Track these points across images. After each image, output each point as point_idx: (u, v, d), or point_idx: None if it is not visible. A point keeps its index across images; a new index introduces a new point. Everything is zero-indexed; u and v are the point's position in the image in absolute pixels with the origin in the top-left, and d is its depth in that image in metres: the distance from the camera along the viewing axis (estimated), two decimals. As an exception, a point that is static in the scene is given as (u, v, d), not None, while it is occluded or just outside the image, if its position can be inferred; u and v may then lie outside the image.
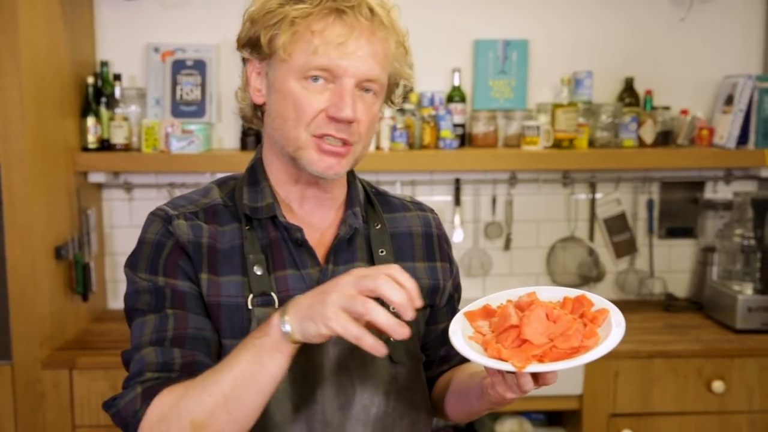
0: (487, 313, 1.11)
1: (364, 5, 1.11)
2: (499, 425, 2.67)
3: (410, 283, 0.97)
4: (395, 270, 0.97)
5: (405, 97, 2.78)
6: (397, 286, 0.96)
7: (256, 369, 1.00)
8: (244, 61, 1.20)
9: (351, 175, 1.26)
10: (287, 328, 0.98)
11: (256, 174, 1.21)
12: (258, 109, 1.21)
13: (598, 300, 1.09)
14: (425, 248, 1.29)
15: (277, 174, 1.20)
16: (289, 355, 1.00)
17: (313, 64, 1.10)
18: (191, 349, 1.10)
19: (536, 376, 1.05)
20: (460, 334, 1.07)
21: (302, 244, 1.18)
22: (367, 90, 1.14)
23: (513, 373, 1.03)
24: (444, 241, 1.33)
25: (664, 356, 2.48)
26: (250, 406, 1.01)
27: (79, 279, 2.58)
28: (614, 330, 1.03)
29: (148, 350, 1.09)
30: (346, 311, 0.95)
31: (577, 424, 2.53)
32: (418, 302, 0.97)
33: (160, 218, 1.16)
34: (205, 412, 1.00)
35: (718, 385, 2.46)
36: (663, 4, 2.93)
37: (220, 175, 1.29)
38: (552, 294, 1.12)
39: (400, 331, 0.95)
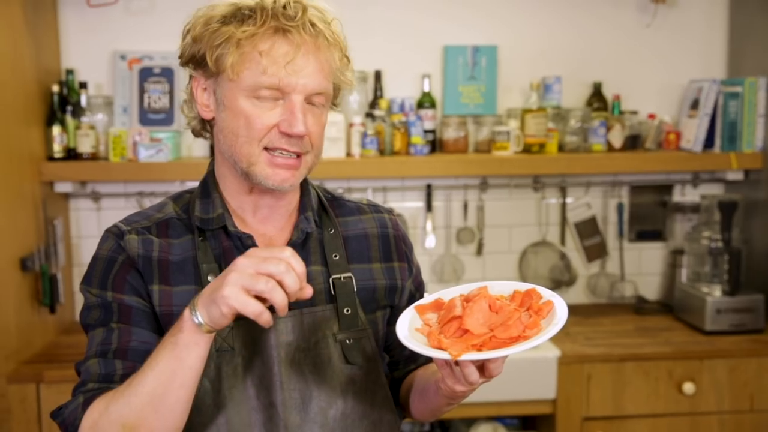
0: (437, 306, 1.14)
1: (307, 22, 1.13)
2: (473, 430, 2.67)
3: (302, 269, 1.01)
4: (290, 255, 1.00)
5: (374, 104, 2.81)
6: (294, 274, 0.99)
7: (175, 364, 1.03)
8: (189, 75, 1.22)
9: (304, 182, 1.28)
10: (198, 318, 1.02)
11: (207, 187, 1.24)
12: (207, 123, 1.23)
13: (547, 293, 1.11)
14: (382, 249, 1.31)
15: (230, 186, 1.23)
16: (204, 346, 1.04)
17: (263, 84, 1.13)
18: (133, 360, 1.12)
19: (481, 368, 1.07)
20: (406, 325, 1.10)
21: None
22: (315, 103, 1.17)
23: (457, 364, 1.05)
24: (402, 242, 1.35)
25: (636, 359, 2.49)
26: (176, 401, 1.04)
27: (46, 290, 2.54)
28: (554, 320, 1.05)
29: (93, 362, 1.14)
30: (245, 290, 0.98)
31: (551, 428, 2.53)
32: (308, 292, 1.02)
33: (113, 235, 1.20)
34: (133, 414, 1.03)
35: (688, 387, 2.49)
36: (629, 11, 2.96)
37: (189, 184, 1.30)
38: (503, 288, 1.15)
39: (307, 292, 1.01)
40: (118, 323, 1.15)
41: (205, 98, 1.19)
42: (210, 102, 1.19)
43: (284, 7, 1.13)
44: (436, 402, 1.22)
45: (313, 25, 1.14)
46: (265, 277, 0.98)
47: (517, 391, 2.47)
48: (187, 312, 1.03)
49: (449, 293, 1.15)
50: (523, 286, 1.13)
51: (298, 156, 1.16)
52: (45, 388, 2.30)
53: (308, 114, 1.15)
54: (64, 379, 2.29)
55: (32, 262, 2.46)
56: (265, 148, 1.15)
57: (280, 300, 0.98)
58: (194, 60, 1.18)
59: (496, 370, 1.08)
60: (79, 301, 2.80)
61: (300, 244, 1.23)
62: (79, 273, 2.82)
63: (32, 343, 2.46)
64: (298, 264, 1.00)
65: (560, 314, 1.06)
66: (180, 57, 1.21)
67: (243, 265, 0.99)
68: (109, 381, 1.11)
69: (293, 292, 0.99)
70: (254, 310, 0.98)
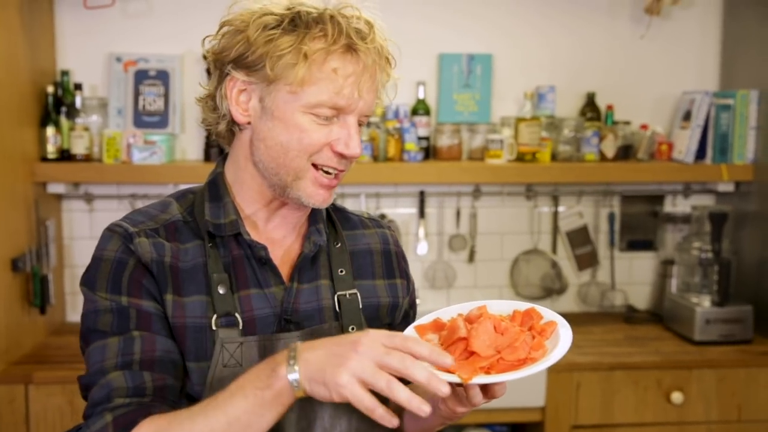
0: (437, 326, 1.12)
1: (378, 43, 1.12)
2: (462, 438, 2.67)
3: (428, 352, 0.95)
4: (413, 344, 0.95)
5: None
6: (419, 363, 0.93)
7: (254, 419, 0.96)
8: (220, 72, 1.14)
9: None
10: (296, 384, 0.95)
11: (218, 189, 1.18)
12: (235, 125, 1.16)
13: (548, 313, 1.11)
14: (384, 266, 1.29)
15: (247, 192, 1.18)
16: (288, 406, 0.97)
17: (332, 103, 1.09)
18: (161, 372, 1.06)
19: (485, 389, 1.06)
20: None
21: (266, 263, 1.16)
22: (361, 123, 1.15)
23: (461, 385, 1.03)
24: (401, 258, 1.34)
25: (625, 368, 2.50)
26: None
27: (37, 291, 2.53)
28: (560, 342, 1.05)
29: (115, 374, 1.04)
30: (362, 383, 0.92)
31: (540, 436, 2.54)
32: (447, 360, 0.96)
33: (119, 235, 1.11)
34: None
35: (676, 396, 2.50)
36: (623, 22, 2.98)
37: (183, 187, 1.26)
38: (502, 307, 1.13)
39: (424, 408, 0.92)
40: (138, 331, 1.07)
41: (244, 101, 1.13)
42: (251, 107, 1.13)
43: (352, 22, 1.10)
44: (432, 421, 1.20)
45: (381, 46, 1.12)
46: (387, 375, 0.92)
47: (506, 398, 2.43)
48: (283, 370, 0.95)
49: (447, 312, 1.13)
50: (522, 306, 1.12)
51: (337, 175, 1.14)
52: (34, 389, 2.29)
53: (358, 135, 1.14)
54: (53, 380, 2.29)
55: (23, 263, 2.45)
56: (313, 165, 1.12)
57: (404, 398, 0.91)
58: (241, 61, 1.10)
59: (500, 391, 1.06)
60: (71, 302, 2.82)
61: (311, 257, 1.20)
62: (70, 274, 2.82)
63: (22, 343, 2.45)
64: (423, 350, 0.94)
65: (564, 337, 1.05)
66: (219, 53, 1.13)
67: (363, 352, 0.92)
68: (141, 395, 1.02)
69: (427, 384, 0.93)
70: (369, 405, 0.92)
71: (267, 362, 0.99)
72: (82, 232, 2.83)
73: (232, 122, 1.16)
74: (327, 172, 1.13)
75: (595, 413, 2.51)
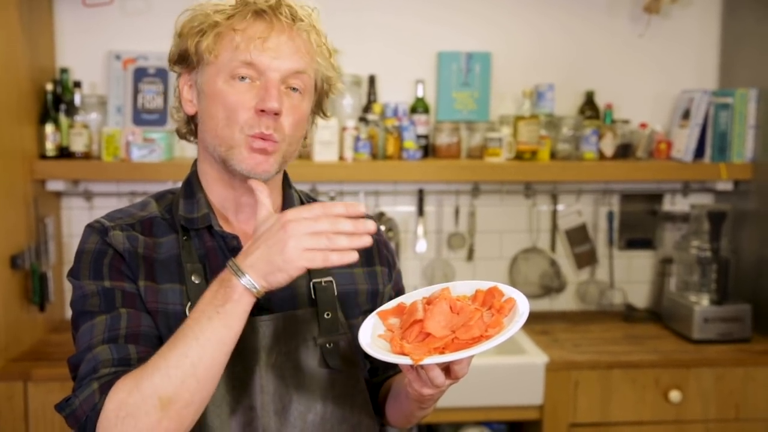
0: (399, 311, 1.14)
1: (284, 6, 1.16)
2: (460, 435, 2.67)
3: (343, 208, 1.02)
4: (330, 207, 1.02)
5: (368, 108, 2.82)
6: (345, 220, 1.00)
7: (224, 333, 1.02)
8: (176, 77, 1.23)
9: (287, 185, 1.29)
10: (254, 287, 1.02)
11: (192, 186, 1.24)
12: (191, 122, 1.24)
13: (509, 290, 1.11)
14: (363, 253, 1.30)
15: (212, 183, 1.22)
16: (249, 308, 1.04)
17: (237, 60, 1.13)
18: (146, 345, 1.09)
19: (446, 370, 1.08)
20: (369, 332, 1.10)
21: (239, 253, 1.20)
22: (294, 89, 1.17)
23: (418, 367, 1.05)
24: (383, 246, 1.36)
25: (623, 366, 2.51)
26: (219, 369, 1.03)
27: (36, 289, 2.53)
28: (516, 318, 1.05)
29: (101, 348, 1.08)
30: (308, 251, 0.99)
31: (538, 434, 2.55)
32: (360, 208, 1.04)
33: (96, 230, 1.18)
34: (173, 386, 1.00)
35: (675, 395, 2.50)
36: (622, 21, 2.98)
37: (179, 185, 1.29)
38: (466, 288, 1.14)
39: (368, 228, 1.01)
40: (125, 308, 1.12)
41: (189, 93, 1.21)
42: (193, 96, 1.20)
43: None
44: (408, 407, 1.23)
45: (289, 8, 1.16)
46: (323, 235, 1.00)
47: (504, 397, 2.48)
48: (234, 281, 1.02)
49: (411, 297, 1.15)
50: (485, 285, 1.13)
51: (272, 141, 1.15)
52: (32, 386, 2.29)
53: (285, 97, 1.15)
54: (53, 377, 2.29)
55: (22, 260, 2.46)
56: (247, 135, 1.15)
57: (347, 231, 1.00)
58: (180, 57, 1.20)
59: (462, 371, 1.08)
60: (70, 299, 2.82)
61: None
62: (69, 272, 2.82)
63: (21, 340, 2.46)
64: (343, 209, 1.02)
65: (521, 311, 1.06)
66: (169, 60, 1.24)
67: (295, 229, 1.00)
68: (126, 365, 1.06)
69: (354, 237, 1.01)
70: (320, 260, 1.00)
71: (214, 285, 1.04)
72: (81, 229, 2.79)
73: (189, 118, 1.23)
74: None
75: (594, 411, 2.51)
